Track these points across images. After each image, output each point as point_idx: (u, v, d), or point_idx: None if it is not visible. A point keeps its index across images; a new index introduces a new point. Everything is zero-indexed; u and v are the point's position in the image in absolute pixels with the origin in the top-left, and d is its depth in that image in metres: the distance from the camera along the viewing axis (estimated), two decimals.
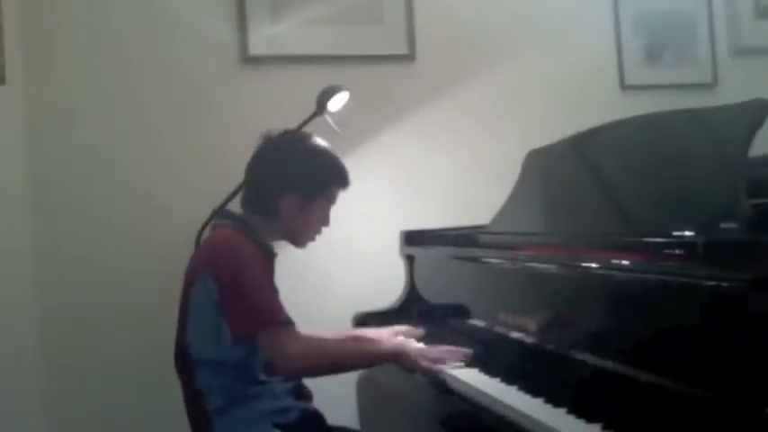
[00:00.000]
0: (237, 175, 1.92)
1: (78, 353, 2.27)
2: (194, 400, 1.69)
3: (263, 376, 1.67)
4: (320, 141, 1.86)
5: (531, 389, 1.35)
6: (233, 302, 1.60)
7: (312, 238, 1.85)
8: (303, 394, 1.75)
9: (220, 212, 1.88)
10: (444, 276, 2.11)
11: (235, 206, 1.91)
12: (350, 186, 1.85)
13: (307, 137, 1.87)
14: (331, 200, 1.84)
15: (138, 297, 2.31)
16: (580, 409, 1.20)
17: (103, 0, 2.38)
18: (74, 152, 2.32)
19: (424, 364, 1.63)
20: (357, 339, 1.90)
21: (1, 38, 2.01)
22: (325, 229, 1.87)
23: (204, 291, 1.63)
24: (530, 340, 1.56)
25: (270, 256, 1.78)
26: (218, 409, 1.64)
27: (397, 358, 1.67)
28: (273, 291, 1.71)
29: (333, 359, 1.67)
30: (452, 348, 1.67)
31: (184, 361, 1.69)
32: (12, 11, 2.14)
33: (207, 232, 1.99)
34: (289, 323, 1.62)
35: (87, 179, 2.33)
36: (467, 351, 1.64)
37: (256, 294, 1.62)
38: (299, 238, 1.83)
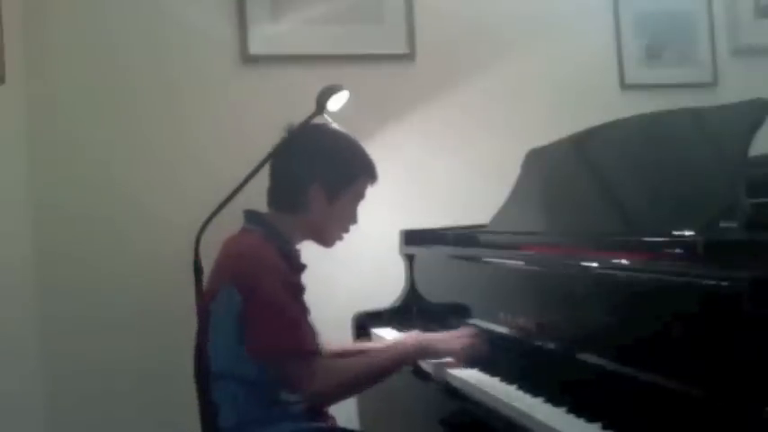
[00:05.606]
0: (238, 174, 1.90)
1: (78, 356, 2.27)
2: (208, 414, 1.61)
3: (283, 395, 1.57)
4: (347, 133, 1.80)
5: (531, 388, 1.35)
6: (255, 320, 1.52)
7: (340, 237, 1.78)
8: (322, 413, 1.65)
9: (250, 215, 1.73)
10: (444, 276, 2.10)
11: (234, 208, 1.89)
12: (377, 182, 1.78)
13: (332, 128, 1.80)
14: (359, 195, 1.77)
15: (138, 299, 2.31)
16: (580, 409, 1.20)
17: (103, 0, 2.39)
18: (73, 152, 2.32)
19: (464, 342, 1.62)
20: (370, 350, 1.80)
21: (1, 38, 2.01)
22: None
23: (227, 302, 1.54)
24: (529, 339, 1.56)
25: (298, 270, 1.71)
26: (230, 428, 1.57)
27: (424, 352, 1.63)
28: (302, 312, 1.62)
29: (357, 382, 1.61)
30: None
31: (203, 372, 1.62)
32: (12, 11, 2.14)
33: (220, 234, 1.81)
34: (312, 354, 1.54)
35: (87, 179, 2.33)
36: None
37: (281, 317, 1.52)
38: (326, 235, 1.76)
